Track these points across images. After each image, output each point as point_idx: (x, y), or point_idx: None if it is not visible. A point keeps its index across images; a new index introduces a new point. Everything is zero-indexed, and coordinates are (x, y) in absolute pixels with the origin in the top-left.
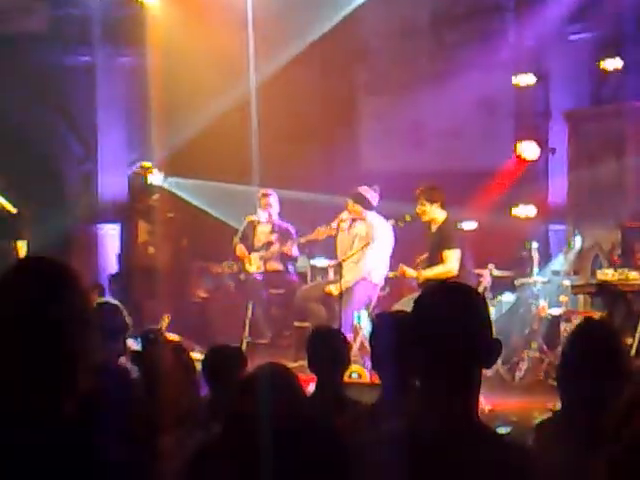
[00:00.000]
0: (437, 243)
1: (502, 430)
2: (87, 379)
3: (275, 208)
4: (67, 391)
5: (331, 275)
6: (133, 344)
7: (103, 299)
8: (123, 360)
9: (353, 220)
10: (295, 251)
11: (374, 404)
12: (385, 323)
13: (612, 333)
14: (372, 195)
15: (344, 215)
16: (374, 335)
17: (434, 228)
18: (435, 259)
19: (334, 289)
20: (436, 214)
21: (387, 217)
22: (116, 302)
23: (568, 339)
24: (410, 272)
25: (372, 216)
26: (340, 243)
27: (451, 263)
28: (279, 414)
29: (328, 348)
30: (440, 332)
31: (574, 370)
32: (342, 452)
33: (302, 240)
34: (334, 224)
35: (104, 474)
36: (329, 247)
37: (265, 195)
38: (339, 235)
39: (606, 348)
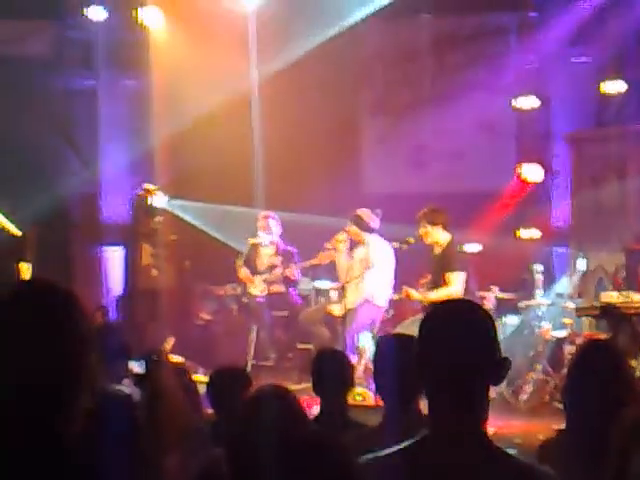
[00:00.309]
0: (440, 266)
1: None
2: (89, 402)
3: (276, 231)
4: (68, 414)
5: (334, 297)
6: (135, 367)
7: (107, 321)
8: (126, 383)
9: (354, 243)
10: (298, 274)
11: (377, 426)
12: (388, 345)
13: (617, 354)
14: (371, 218)
15: (340, 236)
16: (377, 357)
17: (437, 250)
18: (438, 282)
19: (336, 309)
20: (439, 236)
21: (390, 239)
22: (119, 324)
23: (573, 359)
24: (415, 295)
25: (372, 239)
26: (339, 265)
27: (455, 285)
28: (282, 435)
29: (332, 370)
30: (447, 349)
31: (579, 390)
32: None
33: (305, 264)
34: (329, 245)
35: None
36: (332, 270)
37: (265, 217)
38: (337, 257)
39: (611, 368)
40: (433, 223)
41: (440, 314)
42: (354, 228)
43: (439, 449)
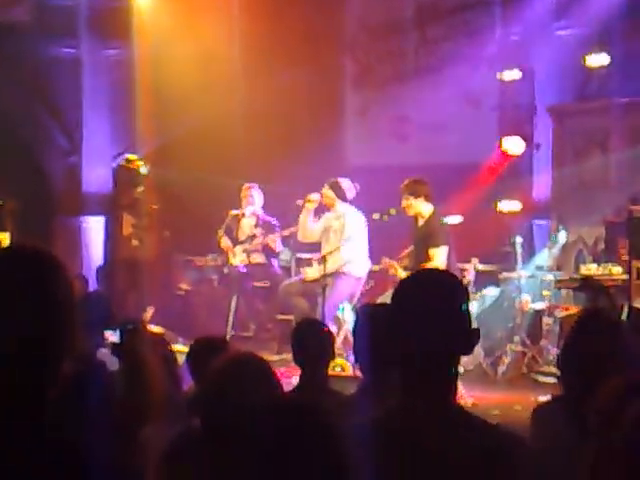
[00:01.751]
0: (424, 239)
1: None
2: (68, 368)
3: (258, 201)
4: (50, 379)
5: (314, 267)
6: (111, 336)
7: (86, 290)
8: (104, 352)
9: (321, 209)
10: (279, 244)
11: (353, 395)
12: (367, 315)
13: (617, 323)
14: (349, 187)
15: (313, 196)
16: (356, 327)
17: (420, 222)
18: (421, 255)
19: (311, 272)
20: (421, 208)
21: (371, 211)
22: (100, 293)
23: (573, 326)
24: (401, 273)
25: (344, 207)
26: (301, 223)
27: (438, 260)
28: (258, 398)
29: (313, 341)
30: (416, 318)
31: (577, 356)
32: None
33: (285, 232)
34: (299, 201)
35: (82, 464)
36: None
37: (248, 188)
38: (302, 214)
39: (610, 336)
40: (415, 195)
41: (411, 283)
42: (330, 192)
43: (408, 419)
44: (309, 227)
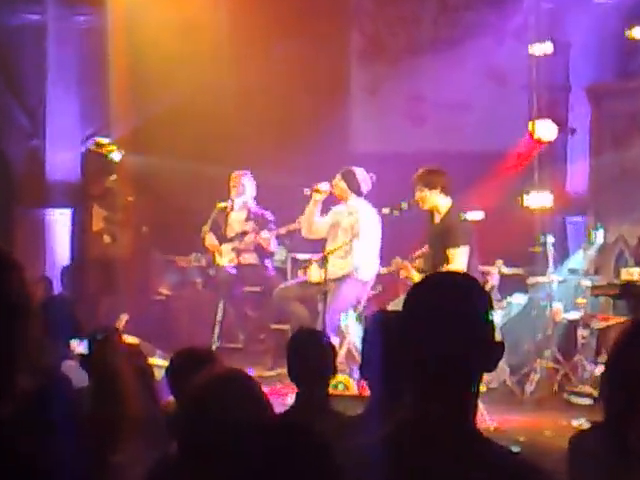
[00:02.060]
0: (441, 237)
1: None
2: (25, 382)
3: (250, 191)
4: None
5: (315, 269)
6: (79, 346)
7: (50, 293)
8: (70, 364)
9: (336, 201)
10: (273, 243)
11: (361, 414)
12: (378, 323)
13: None
14: (364, 179)
15: (322, 185)
16: (365, 337)
17: (437, 218)
18: (438, 256)
19: (314, 276)
20: (438, 201)
21: (381, 204)
22: (65, 297)
23: (615, 343)
24: (415, 276)
25: (359, 203)
26: (306, 215)
27: (457, 263)
28: (244, 420)
29: (311, 354)
30: (432, 328)
31: (622, 374)
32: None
33: (282, 230)
34: (307, 190)
35: None
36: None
37: (238, 176)
38: (308, 206)
39: None
40: (431, 186)
41: (426, 287)
42: (342, 184)
43: (421, 441)
44: (316, 221)
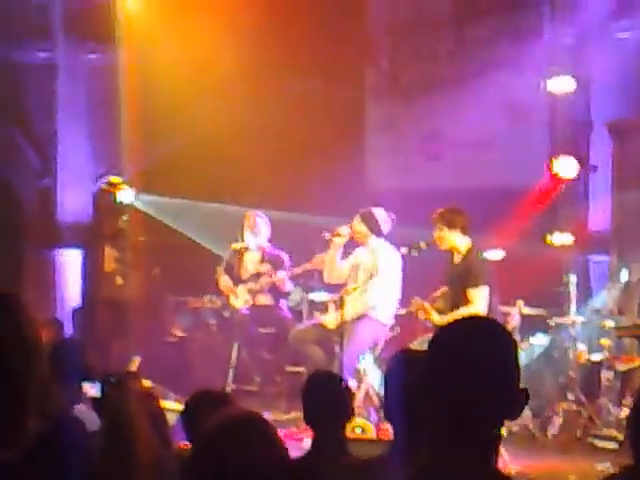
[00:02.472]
0: (460, 278)
1: None
2: (35, 426)
3: (265, 233)
4: (7, 437)
5: (332, 312)
6: (91, 389)
7: (61, 336)
8: (81, 408)
9: (356, 244)
10: (289, 284)
11: (382, 456)
12: (400, 364)
13: None
14: (384, 219)
15: (342, 229)
16: (387, 378)
17: (457, 259)
18: (458, 297)
19: (330, 322)
20: (457, 241)
21: (398, 244)
22: (76, 340)
23: None
24: (435, 318)
25: (379, 243)
26: (328, 261)
27: (478, 303)
28: (260, 466)
29: (328, 396)
30: (455, 374)
31: None
32: None
33: (297, 270)
34: (327, 234)
35: None
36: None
37: (252, 216)
38: (329, 251)
39: None
40: (451, 226)
41: (451, 333)
42: (362, 227)
43: None
44: (337, 266)
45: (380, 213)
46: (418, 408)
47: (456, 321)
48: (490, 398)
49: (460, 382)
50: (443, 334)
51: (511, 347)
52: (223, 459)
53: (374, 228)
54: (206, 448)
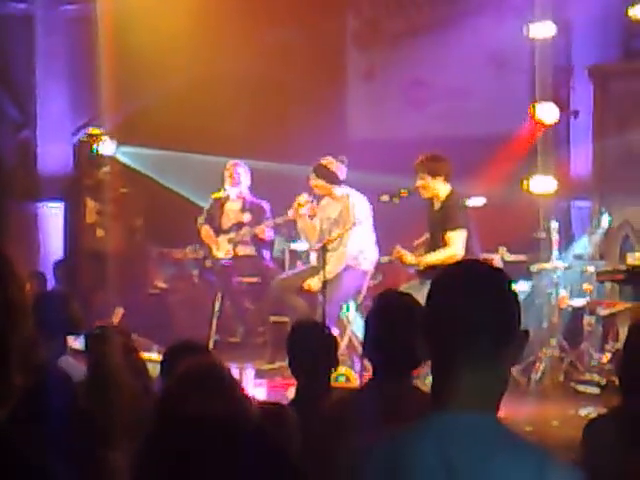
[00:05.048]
0: (440, 223)
1: None
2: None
3: (246, 182)
4: None
5: (313, 260)
6: (74, 342)
7: (44, 289)
8: (66, 360)
9: (318, 199)
10: (270, 233)
11: (361, 388)
12: (389, 301)
13: None
14: (338, 167)
15: (301, 198)
16: (374, 314)
17: (437, 205)
18: (438, 241)
19: (314, 284)
20: (439, 189)
21: (380, 192)
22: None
23: (631, 327)
24: (408, 258)
25: (345, 192)
26: (303, 230)
27: (455, 246)
28: (211, 419)
29: (313, 345)
30: (461, 320)
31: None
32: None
33: (279, 220)
34: (290, 212)
35: None
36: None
37: (232, 166)
38: (300, 222)
39: None
40: (434, 174)
41: (452, 278)
42: (319, 181)
43: (447, 437)
44: (315, 230)
45: (330, 161)
46: (411, 351)
47: (458, 264)
48: (499, 342)
49: (469, 326)
50: (444, 276)
51: (514, 291)
52: (182, 407)
53: (331, 178)
54: (166, 396)
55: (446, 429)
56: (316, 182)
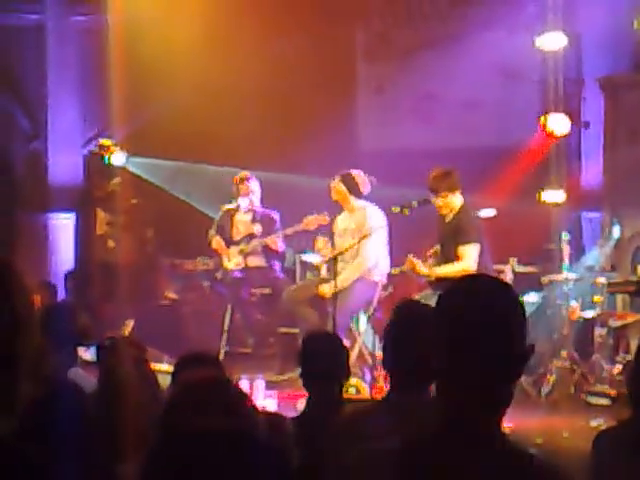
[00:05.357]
0: (453, 235)
1: None
2: (30, 392)
3: (256, 194)
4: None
5: (324, 272)
6: (85, 353)
7: (54, 300)
8: (76, 372)
9: (332, 222)
10: (281, 244)
11: (375, 403)
12: (411, 312)
13: None
14: (364, 181)
15: (319, 244)
16: (395, 325)
17: (449, 217)
18: (450, 254)
19: (327, 290)
20: (456, 202)
21: (390, 203)
22: (70, 304)
23: None
24: (421, 269)
25: (362, 204)
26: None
27: (469, 260)
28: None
29: (324, 356)
30: (468, 335)
31: None
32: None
33: (289, 231)
34: (326, 216)
35: None
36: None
37: (244, 179)
38: (321, 243)
39: None
40: (453, 189)
41: (460, 293)
42: (342, 187)
43: (448, 448)
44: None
45: (359, 174)
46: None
47: (466, 279)
48: (504, 358)
49: (476, 341)
50: (452, 290)
51: (521, 307)
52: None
53: (353, 189)
54: (169, 410)
55: (452, 444)
56: (338, 187)
